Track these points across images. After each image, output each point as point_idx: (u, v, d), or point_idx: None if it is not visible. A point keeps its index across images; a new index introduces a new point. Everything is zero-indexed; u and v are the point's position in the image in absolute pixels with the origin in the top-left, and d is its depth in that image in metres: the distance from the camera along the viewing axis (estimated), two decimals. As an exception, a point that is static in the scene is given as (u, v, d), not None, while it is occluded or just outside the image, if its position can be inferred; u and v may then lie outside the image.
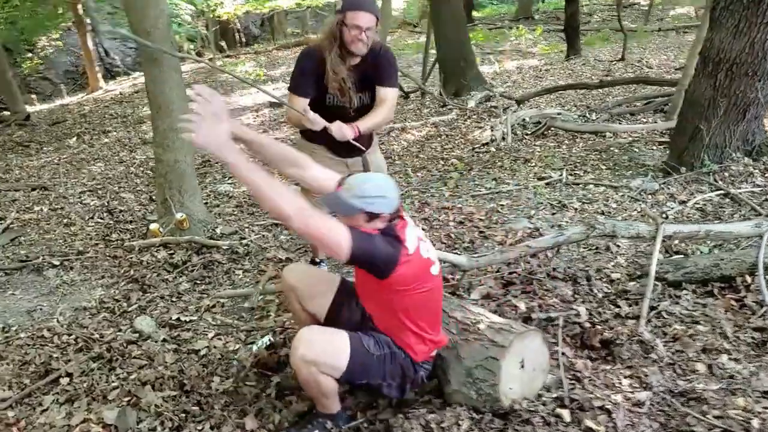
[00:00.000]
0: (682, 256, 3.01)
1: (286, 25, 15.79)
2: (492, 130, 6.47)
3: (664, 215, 3.61)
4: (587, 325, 2.49)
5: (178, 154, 3.95)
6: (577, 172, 4.86)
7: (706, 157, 4.09)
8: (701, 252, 3.07)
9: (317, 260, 3.28)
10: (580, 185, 4.51)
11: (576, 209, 4.06)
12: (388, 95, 2.66)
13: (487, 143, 6.14)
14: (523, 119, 6.68)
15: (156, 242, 3.92)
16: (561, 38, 11.60)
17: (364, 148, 2.79)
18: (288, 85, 2.76)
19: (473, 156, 5.79)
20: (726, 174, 4.04)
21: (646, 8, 10.70)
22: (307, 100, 2.63)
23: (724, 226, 2.81)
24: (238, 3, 14.34)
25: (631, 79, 7.78)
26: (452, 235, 3.80)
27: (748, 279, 2.64)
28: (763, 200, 3.67)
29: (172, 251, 3.84)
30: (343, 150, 2.77)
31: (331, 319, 2.14)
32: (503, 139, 6.20)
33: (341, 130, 2.53)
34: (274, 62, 13.36)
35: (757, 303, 2.51)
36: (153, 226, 3.99)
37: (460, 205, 4.30)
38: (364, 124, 2.61)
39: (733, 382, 2.06)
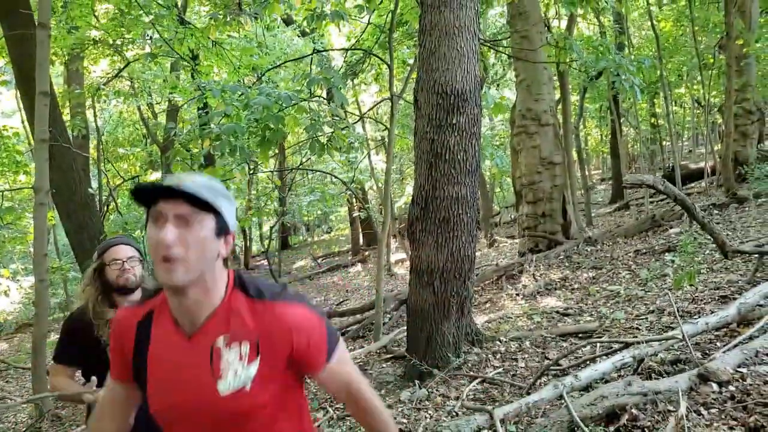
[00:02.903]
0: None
1: None
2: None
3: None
4: None
5: None
6: (339, 405, 4.70)
7: (449, 354, 4.52)
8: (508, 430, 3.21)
9: None
10: (351, 418, 4.34)
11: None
12: None
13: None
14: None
15: None
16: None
17: None
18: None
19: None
20: (470, 364, 4.51)
21: (275, 266, 13.24)
22: (75, 369, 2.37)
23: (535, 396, 3.05)
24: None
25: (327, 313, 8.40)
26: None
27: (573, 436, 2.85)
28: (512, 376, 4.17)
29: None
30: None
31: None
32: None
33: None
34: None
35: (595, 454, 2.71)
36: None
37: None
38: None
39: None
